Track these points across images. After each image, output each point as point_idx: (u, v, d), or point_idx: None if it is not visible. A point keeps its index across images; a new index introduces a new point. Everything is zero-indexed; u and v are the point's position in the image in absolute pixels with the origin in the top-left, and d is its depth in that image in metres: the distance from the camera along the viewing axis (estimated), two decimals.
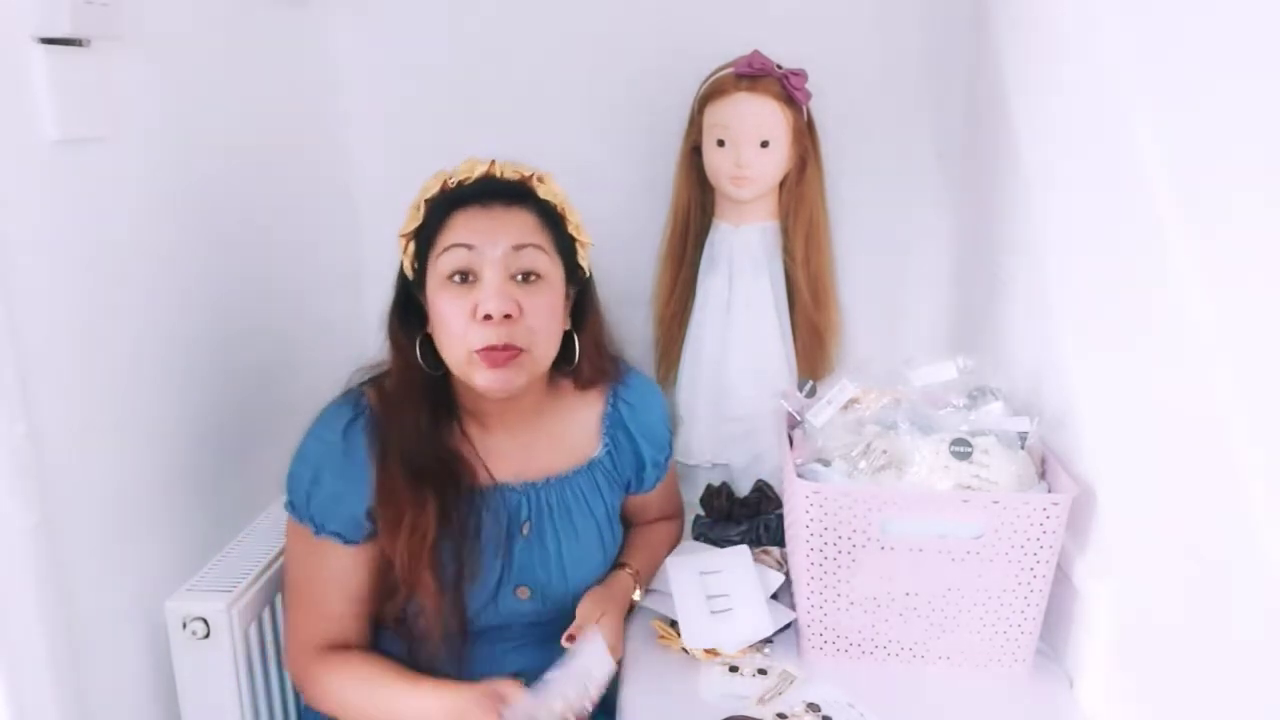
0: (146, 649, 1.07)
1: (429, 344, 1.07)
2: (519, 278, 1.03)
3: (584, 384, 1.17)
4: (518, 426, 1.12)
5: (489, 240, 1.01)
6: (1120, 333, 0.98)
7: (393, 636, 1.10)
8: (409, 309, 1.09)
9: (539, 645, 1.13)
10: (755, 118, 1.34)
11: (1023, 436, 1.09)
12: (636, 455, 1.21)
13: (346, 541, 1.04)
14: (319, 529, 1.04)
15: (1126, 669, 0.97)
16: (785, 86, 1.34)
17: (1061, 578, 1.07)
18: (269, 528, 1.24)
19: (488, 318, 1.00)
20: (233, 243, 1.26)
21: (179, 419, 1.13)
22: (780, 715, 0.99)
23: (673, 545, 1.32)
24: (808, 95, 1.38)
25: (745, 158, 1.35)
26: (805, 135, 1.39)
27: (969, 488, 1.04)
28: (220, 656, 1.08)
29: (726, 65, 1.37)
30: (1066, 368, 1.11)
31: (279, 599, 1.19)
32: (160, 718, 1.10)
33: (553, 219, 1.07)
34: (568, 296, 1.10)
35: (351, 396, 1.08)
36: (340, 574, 1.06)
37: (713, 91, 1.37)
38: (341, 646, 1.07)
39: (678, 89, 1.43)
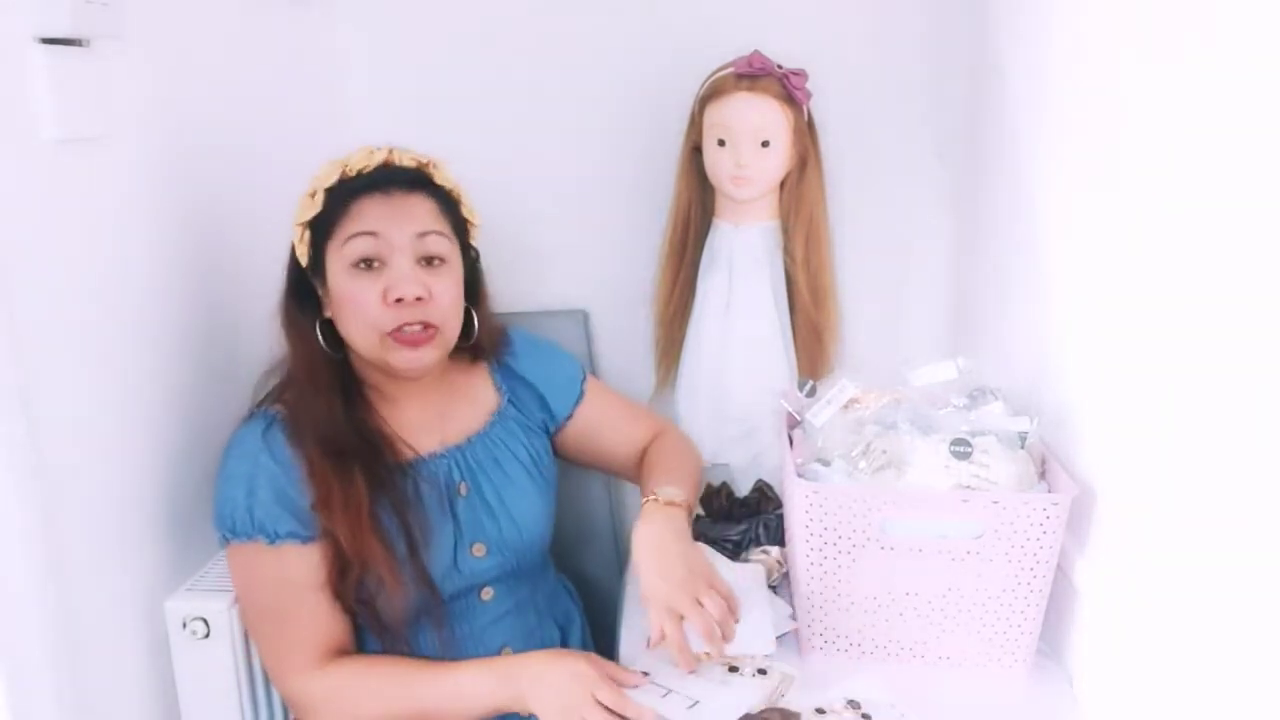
0: (146, 649, 1.07)
1: (328, 329, 1.10)
2: (424, 262, 1.07)
3: (481, 355, 1.21)
4: (425, 399, 1.15)
5: (394, 226, 1.05)
6: (1120, 332, 0.98)
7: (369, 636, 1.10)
8: (301, 296, 1.11)
9: (516, 615, 1.16)
10: (756, 118, 1.34)
11: (1023, 436, 1.09)
12: (537, 395, 1.24)
13: (304, 540, 1.04)
14: (273, 537, 1.03)
15: (1126, 669, 0.97)
16: (785, 86, 1.34)
17: (1061, 578, 1.07)
18: None
19: (399, 301, 1.04)
20: (232, 242, 1.25)
21: (179, 418, 1.13)
22: (819, 710, 0.99)
23: (685, 448, 1.30)
24: (808, 95, 1.38)
25: (745, 158, 1.35)
26: (805, 135, 1.39)
27: (969, 488, 1.04)
28: (220, 656, 1.08)
29: (727, 65, 1.37)
30: (1066, 368, 1.11)
31: None
32: (160, 718, 1.10)
33: (449, 204, 1.11)
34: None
35: (257, 415, 1.09)
36: (308, 575, 1.05)
37: (713, 91, 1.37)
38: (337, 650, 1.06)
39: (678, 89, 1.43)
